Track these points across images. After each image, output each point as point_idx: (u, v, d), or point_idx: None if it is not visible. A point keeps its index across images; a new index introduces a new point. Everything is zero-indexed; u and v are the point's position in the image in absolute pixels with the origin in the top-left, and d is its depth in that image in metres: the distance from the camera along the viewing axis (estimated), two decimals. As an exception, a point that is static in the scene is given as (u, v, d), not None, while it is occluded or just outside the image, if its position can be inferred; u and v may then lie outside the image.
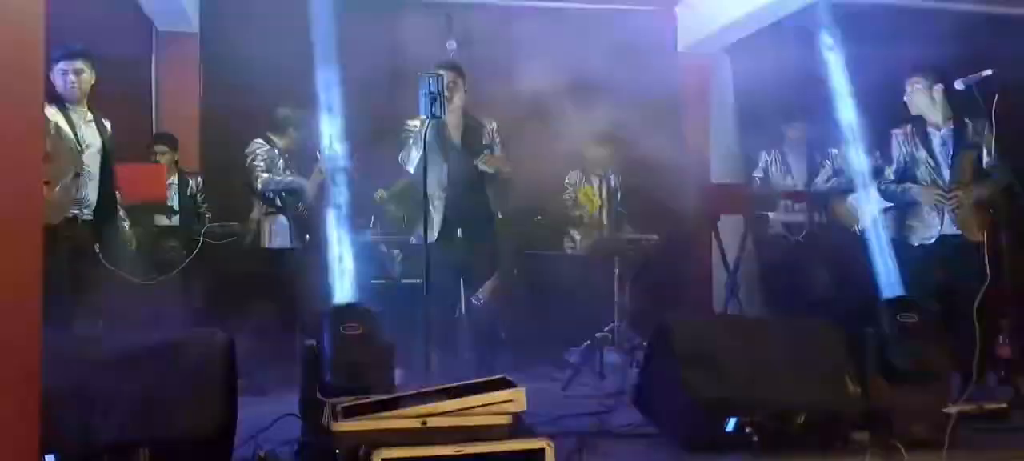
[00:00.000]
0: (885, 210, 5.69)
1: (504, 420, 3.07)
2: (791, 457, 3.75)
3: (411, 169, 5.28)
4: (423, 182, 4.76)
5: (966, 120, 5.31)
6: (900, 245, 5.41)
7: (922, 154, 5.34)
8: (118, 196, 5.14)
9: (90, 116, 4.96)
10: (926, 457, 3.75)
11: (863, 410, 3.94)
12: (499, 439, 3.04)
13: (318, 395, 3.53)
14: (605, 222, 6.26)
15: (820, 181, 6.51)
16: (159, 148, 6.36)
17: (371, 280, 6.37)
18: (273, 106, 6.61)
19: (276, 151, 6.15)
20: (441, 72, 5.11)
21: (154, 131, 6.89)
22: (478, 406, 3.08)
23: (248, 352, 4.16)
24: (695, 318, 5.88)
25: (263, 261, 6.02)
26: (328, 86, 6.46)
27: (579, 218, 6.72)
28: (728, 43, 7.63)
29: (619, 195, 6.77)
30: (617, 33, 7.74)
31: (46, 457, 3.07)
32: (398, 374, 3.93)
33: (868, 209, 5.81)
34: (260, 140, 6.18)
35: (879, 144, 5.79)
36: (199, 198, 6.47)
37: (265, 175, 6.03)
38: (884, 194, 5.51)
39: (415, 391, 3.43)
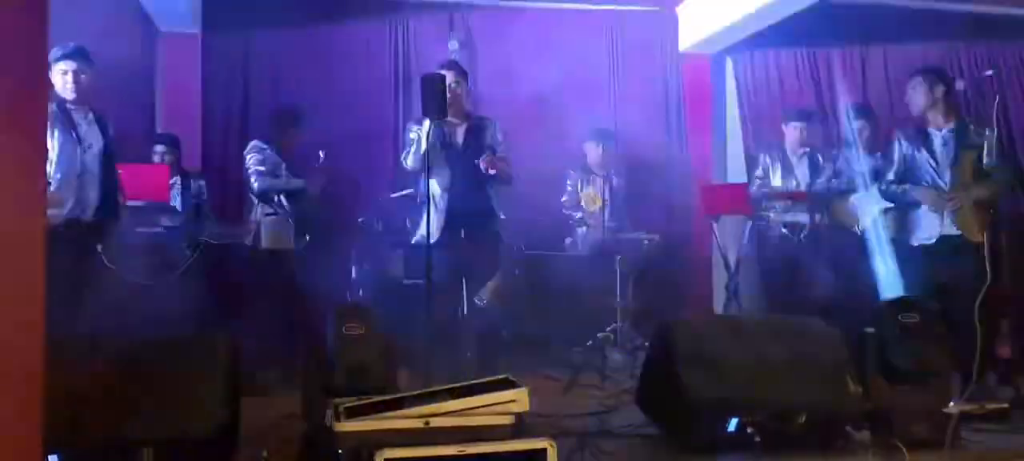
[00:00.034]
0: (886, 210, 5.71)
1: (507, 420, 3.08)
2: (792, 457, 3.75)
3: (413, 168, 5.28)
4: (425, 183, 4.77)
5: (967, 120, 5.31)
6: (901, 245, 5.42)
7: (923, 155, 5.35)
8: (120, 196, 5.15)
9: (91, 116, 4.95)
10: (927, 457, 3.76)
11: (864, 410, 3.95)
12: (502, 439, 3.05)
13: (321, 395, 3.55)
14: (606, 222, 6.27)
15: (821, 181, 6.51)
16: (160, 148, 6.35)
17: (373, 280, 6.40)
18: (273, 106, 6.62)
19: (275, 152, 6.12)
20: (444, 72, 5.12)
21: (156, 132, 6.89)
22: (481, 406, 3.09)
23: (251, 352, 4.16)
24: (696, 318, 5.89)
25: (264, 262, 6.01)
26: (329, 86, 6.49)
27: (581, 218, 6.73)
28: (730, 44, 7.63)
29: (621, 195, 6.79)
30: (618, 34, 7.77)
31: (49, 457, 3.08)
32: (400, 374, 3.94)
33: (869, 209, 5.84)
34: (259, 141, 6.16)
35: (881, 145, 5.81)
36: (202, 198, 6.46)
37: (263, 176, 6.01)
38: (885, 194, 5.52)
39: (418, 391, 3.44)
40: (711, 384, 3.79)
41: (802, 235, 6.44)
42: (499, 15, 7.62)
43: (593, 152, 6.87)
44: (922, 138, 5.37)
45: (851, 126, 6.29)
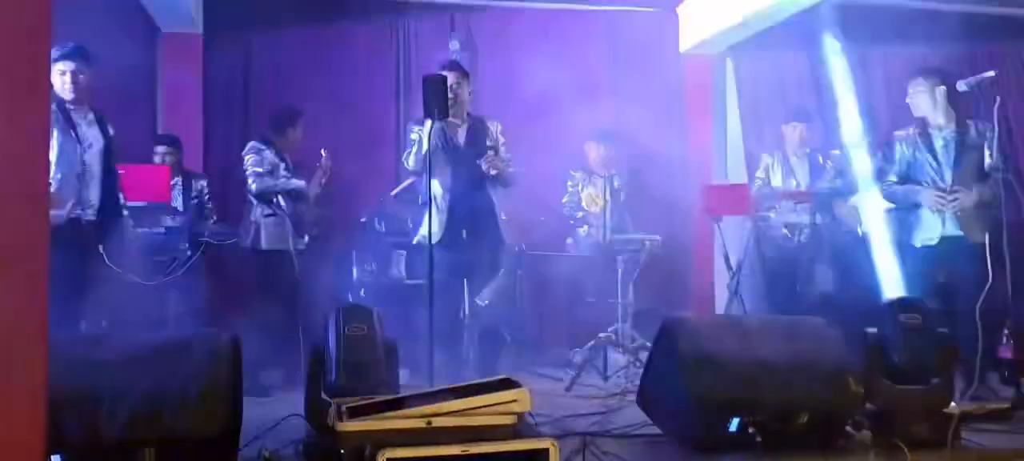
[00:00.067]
0: (887, 211, 5.71)
1: (509, 420, 3.08)
2: (793, 457, 3.75)
3: (414, 169, 5.29)
4: (427, 183, 4.77)
5: (968, 122, 5.31)
6: (902, 246, 5.43)
7: (924, 155, 5.35)
8: (121, 196, 5.15)
9: (91, 115, 4.94)
10: (928, 457, 3.76)
11: (865, 410, 3.95)
12: (503, 439, 3.05)
13: (323, 395, 3.55)
14: (608, 222, 6.27)
15: (822, 182, 6.52)
16: (162, 149, 6.36)
17: (374, 280, 6.41)
18: (274, 106, 6.63)
19: (274, 152, 6.11)
20: (445, 73, 5.13)
21: (157, 132, 6.90)
22: (483, 406, 3.09)
23: (252, 352, 4.17)
24: (698, 318, 5.89)
25: (265, 262, 6.02)
26: (330, 87, 6.49)
27: (582, 218, 6.73)
28: (731, 44, 7.63)
29: (622, 195, 6.79)
30: (620, 34, 7.77)
31: (51, 457, 3.08)
32: (402, 374, 3.94)
33: (871, 210, 5.84)
34: (257, 141, 6.14)
35: (882, 145, 5.81)
36: (203, 199, 6.46)
37: (261, 177, 6.00)
38: (886, 195, 5.52)
39: (420, 391, 3.44)
40: (712, 384, 3.79)
41: (803, 235, 6.46)
42: (500, 16, 7.63)
43: (594, 152, 6.88)
44: (923, 139, 5.37)
45: (853, 127, 6.30)
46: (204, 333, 3.59)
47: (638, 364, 5.54)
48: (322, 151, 6.16)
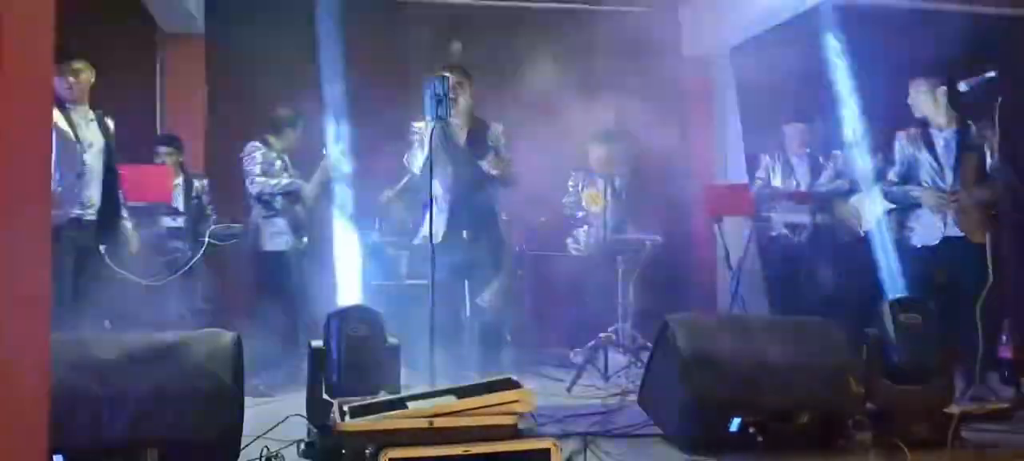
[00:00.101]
0: (888, 211, 5.71)
1: (510, 420, 3.08)
2: (794, 457, 3.77)
3: (416, 170, 5.29)
4: (428, 184, 4.78)
5: (969, 122, 5.32)
6: (903, 246, 5.43)
7: (925, 156, 5.36)
8: (121, 196, 5.15)
9: (91, 115, 4.93)
10: (928, 457, 3.77)
11: (866, 410, 3.96)
12: (505, 439, 3.05)
13: (325, 395, 3.56)
14: (609, 223, 6.28)
15: (823, 182, 6.53)
16: (163, 149, 6.36)
17: (376, 281, 6.41)
18: (273, 107, 6.63)
19: (273, 153, 6.11)
20: (446, 74, 5.12)
21: (159, 132, 6.91)
22: (484, 406, 3.09)
23: (254, 352, 4.18)
24: (698, 318, 5.90)
25: (266, 262, 6.03)
26: (332, 87, 6.50)
27: (583, 219, 6.74)
28: (732, 45, 7.64)
29: (623, 196, 6.79)
30: (620, 35, 7.77)
31: (54, 457, 3.09)
32: (403, 374, 3.95)
33: (871, 210, 5.84)
34: (256, 142, 6.12)
35: (882, 146, 5.81)
36: (204, 199, 6.47)
37: (260, 178, 6.00)
38: (887, 195, 5.53)
39: (422, 391, 3.45)
40: (713, 384, 3.80)
41: (804, 235, 6.46)
42: (502, 16, 7.63)
43: (595, 153, 6.88)
44: (924, 139, 5.38)
45: (853, 128, 6.30)
46: (206, 333, 3.58)
47: (639, 364, 5.56)
48: (324, 150, 6.16)
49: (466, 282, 5.50)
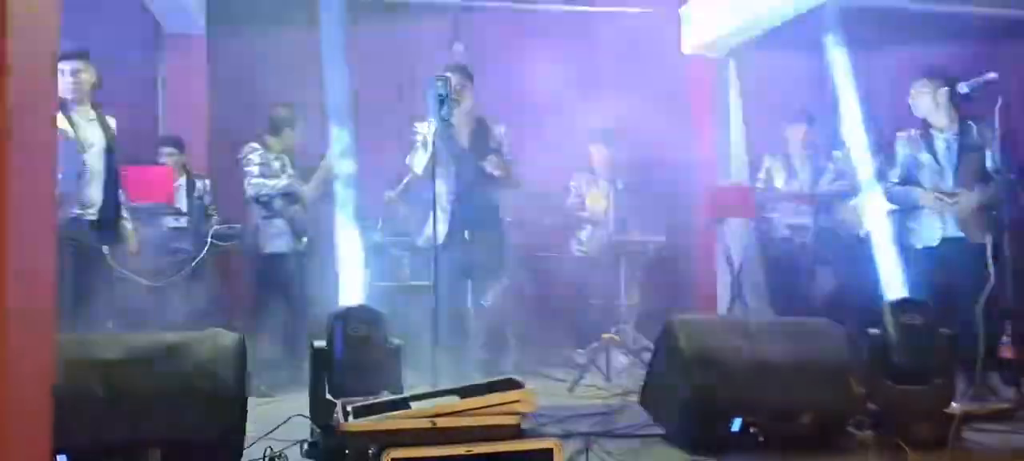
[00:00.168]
0: (889, 212, 5.71)
1: (512, 421, 3.09)
2: (796, 457, 3.77)
3: (418, 171, 5.30)
4: (431, 185, 4.79)
5: (970, 123, 5.32)
6: (904, 247, 5.43)
7: (926, 157, 5.37)
8: (122, 196, 5.15)
9: (92, 115, 4.92)
10: (929, 457, 3.77)
11: (867, 410, 3.96)
12: (507, 439, 3.06)
13: (327, 395, 3.56)
14: (611, 224, 6.28)
15: (824, 183, 6.53)
16: (165, 150, 6.37)
17: (378, 282, 6.41)
18: (272, 108, 6.63)
19: (272, 154, 6.10)
20: (449, 75, 5.13)
21: (161, 133, 6.91)
22: (487, 406, 3.10)
23: (257, 352, 4.19)
24: (700, 319, 5.90)
25: (267, 263, 6.03)
26: (333, 88, 6.50)
27: (585, 220, 6.74)
28: (733, 45, 7.64)
29: (625, 197, 6.80)
30: (622, 36, 7.78)
31: (57, 457, 3.10)
32: (406, 374, 3.95)
33: (872, 211, 5.84)
34: (254, 143, 6.10)
35: (883, 147, 5.82)
36: (206, 199, 6.47)
37: (257, 180, 5.99)
38: (888, 196, 5.53)
39: (424, 392, 3.45)
40: (715, 384, 3.81)
41: (805, 236, 6.47)
42: (504, 17, 7.63)
43: (598, 154, 6.89)
44: (925, 140, 5.39)
45: (854, 129, 6.30)
46: (209, 334, 3.59)
47: (641, 365, 5.55)
48: (325, 150, 6.16)
49: (468, 283, 5.51)
